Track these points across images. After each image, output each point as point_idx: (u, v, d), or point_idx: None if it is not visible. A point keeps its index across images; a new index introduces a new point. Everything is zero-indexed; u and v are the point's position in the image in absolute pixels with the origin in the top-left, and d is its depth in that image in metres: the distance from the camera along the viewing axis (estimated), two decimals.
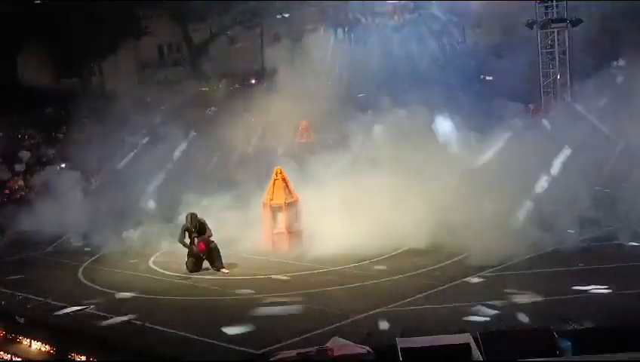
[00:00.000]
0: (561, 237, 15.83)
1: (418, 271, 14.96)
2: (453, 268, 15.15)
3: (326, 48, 28.36)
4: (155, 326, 12.44)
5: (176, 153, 23.04)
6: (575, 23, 28.25)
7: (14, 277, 16.65)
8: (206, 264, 16.19)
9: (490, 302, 12.62)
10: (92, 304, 13.99)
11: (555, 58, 28.56)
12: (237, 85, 36.48)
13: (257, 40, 40.91)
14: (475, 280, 14.13)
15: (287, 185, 17.95)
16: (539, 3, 28.39)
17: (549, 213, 16.50)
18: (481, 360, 9.21)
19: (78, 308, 13.77)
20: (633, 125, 19.65)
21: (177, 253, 16.63)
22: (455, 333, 10.02)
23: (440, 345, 9.59)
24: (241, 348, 11.13)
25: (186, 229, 16.22)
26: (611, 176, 19.37)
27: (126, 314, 13.18)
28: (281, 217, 17.74)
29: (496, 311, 12.11)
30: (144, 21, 38.99)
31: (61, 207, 20.18)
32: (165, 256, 17.60)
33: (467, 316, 11.91)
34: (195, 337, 11.83)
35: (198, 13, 39.12)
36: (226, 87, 35.98)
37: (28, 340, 12.49)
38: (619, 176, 18.76)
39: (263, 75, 35.08)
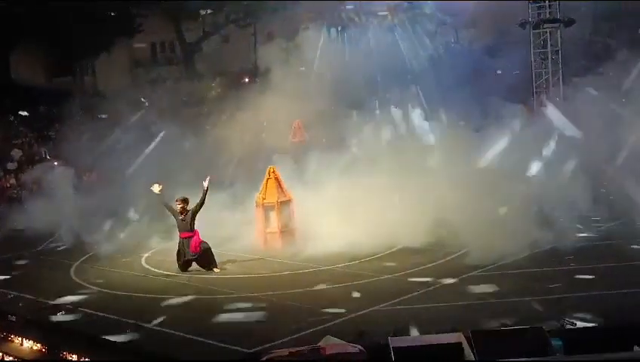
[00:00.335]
0: (558, 236, 15.86)
1: (411, 270, 14.98)
2: (446, 266, 15.19)
3: (319, 47, 28.39)
4: (147, 325, 12.42)
5: (169, 150, 23.03)
6: (568, 23, 28.34)
7: (6, 276, 16.61)
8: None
9: (483, 301, 12.68)
10: (83, 303, 13.97)
11: (547, 58, 28.65)
12: (230, 84, 36.45)
13: (251, 39, 40.89)
14: (468, 278, 14.15)
15: (280, 184, 17.96)
16: (532, 3, 28.48)
17: (547, 211, 16.54)
18: (473, 359, 9.22)
19: (69, 306, 13.77)
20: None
21: (170, 251, 16.62)
22: (447, 332, 10.04)
23: (432, 344, 9.59)
24: (233, 347, 11.12)
25: (168, 206, 16.18)
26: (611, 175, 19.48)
27: (117, 313, 13.13)
28: (274, 216, 17.75)
29: (489, 310, 12.13)
30: (138, 19, 38.93)
31: (54, 205, 20.13)
32: (158, 254, 17.59)
33: (459, 315, 11.92)
34: (187, 336, 11.81)
35: (192, 11, 39.11)
36: (219, 85, 35.97)
37: (19, 339, 12.44)
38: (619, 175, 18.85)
39: (256, 73, 35.09)
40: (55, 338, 12.23)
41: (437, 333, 10.03)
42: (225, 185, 20.36)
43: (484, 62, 33.17)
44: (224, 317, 12.85)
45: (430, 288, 13.73)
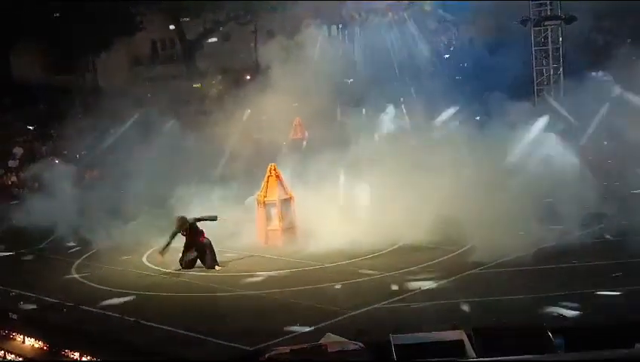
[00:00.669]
0: (561, 234, 15.80)
1: (413, 268, 14.96)
2: (448, 264, 15.16)
3: (319, 45, 28.35)
4: (149, 323, 12.41)
5: (171, 147, 23.00)
6: (569, 20, 28.32)
7: (7, 274, 16.60)
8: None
9: (484, 299, 12.66)
10: (84, 301, 13.98)
11: (548, 55, 28.64)
12: (231, 81, 36.45)
13: (251, 36, 40.86)
14: (470, 276, 14.15)
15: (281, 182, 17.95)
16: (533, 1, 28.46)
17: (551, 208, 16.48)
18: (475, 356, 9.22)
19: (70, 304, 13.78)
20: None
21: (170, 250, 16.60)
22: (449, 330, 10.04)
23: (434, 341, 9.59)
24: (235, 345, 11.13)
25: (174, 234, 16.17)
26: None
27: (119, 311, 13.15)
28: (275, 214, 17.75)
29: (491, 308, 12.13)
30: (139, 17, 38.90)
31: (55, 203, 20.12)
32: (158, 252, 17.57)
33: (461, 312, 11.92)
34: (188, 333, 11.82)
35: (192, 9, 39.09)
36: (220, 83, 35.96)
37: (21, 337, 12.45)
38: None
39: (257, 71, 35.05)
40: (56, 336, 12.25)
41: (438, 331, 10.03)
42: (227, 181, 20.35)
43: (485, 59, 33.14)
44: (225, 314, 12.85)
45: (431, 286, 13.70)
